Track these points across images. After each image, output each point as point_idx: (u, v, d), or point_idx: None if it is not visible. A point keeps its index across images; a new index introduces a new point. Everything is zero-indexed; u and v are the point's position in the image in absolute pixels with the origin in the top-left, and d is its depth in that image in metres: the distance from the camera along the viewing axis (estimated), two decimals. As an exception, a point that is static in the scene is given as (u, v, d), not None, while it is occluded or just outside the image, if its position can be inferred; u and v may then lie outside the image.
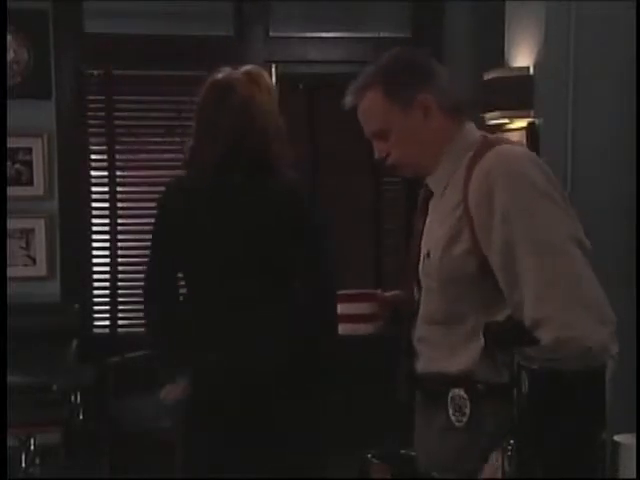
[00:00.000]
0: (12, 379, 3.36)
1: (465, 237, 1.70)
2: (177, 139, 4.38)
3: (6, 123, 3.74)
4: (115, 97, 4.28)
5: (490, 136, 1.86)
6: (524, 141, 3.16)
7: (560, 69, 3.01)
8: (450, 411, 1.75)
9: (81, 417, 3.68)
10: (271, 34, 4.26)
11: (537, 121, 3.13)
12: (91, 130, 4.30)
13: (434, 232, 1.80)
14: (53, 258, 4.12)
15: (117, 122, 4.31)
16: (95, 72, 4.24)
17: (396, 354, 1.80)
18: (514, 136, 3.27)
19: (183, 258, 2.46)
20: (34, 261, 4.09)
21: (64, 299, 4.15)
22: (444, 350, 1.77)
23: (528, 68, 3.14)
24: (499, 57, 3.43)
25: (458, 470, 1.68)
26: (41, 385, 3.57)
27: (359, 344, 2.43)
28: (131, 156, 4.37)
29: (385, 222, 4.51)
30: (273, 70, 4.29)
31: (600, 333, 1.59)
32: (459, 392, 1.73)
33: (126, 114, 4.34)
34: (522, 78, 3.13)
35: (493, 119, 3.29)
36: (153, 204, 4.27)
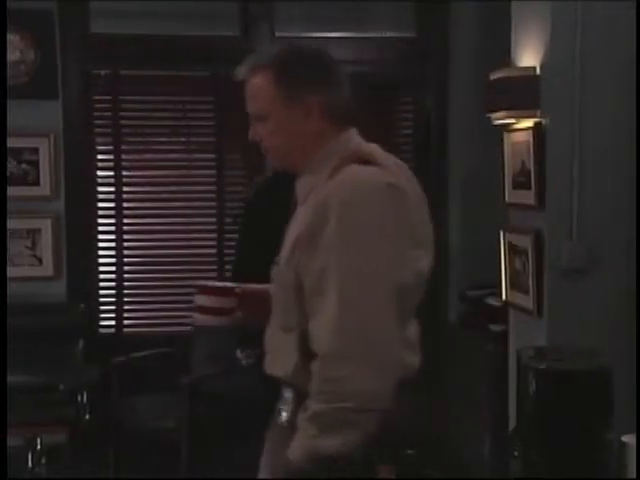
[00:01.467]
0: (18, 379, 3.37)
1: (298, 254, 1.70)
2: (182, 139, 4.40)
3: (6, 123, 3.74)
4: (121, 97, 4.29)
5: (361, 148, 1.79)
6: (531, 141, 3.15)
7: (567, 68, 3.00)
8: (279, 409, 1.80)
9: (87, 417, 3.68)
10: (276, 34, 4.25)
11: (544, 121, 3.11)
12: (97, 130, 4.31)
13: (288, 241, 1.80)
14: (59, 258, 4.12)
15: (123, 122, 4.32)
16: (101, 72, 4.25)
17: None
18: (520, 136, 3.26)
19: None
20: (40, 261, 4.10)
21: (70, 299, 4.15)
22: (279, 353, 1.79)
23: (534, 68, 3.11)
24: (505, 57, 3.41)
25: (288, 468, 1.67)
26: (47, 385, 3.57)
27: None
28: (137, 156, 4.37)
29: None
30: (279, 70, 4.29)
31: (370, 386, 1.58)
32: (287, 392, 1.78)
33: (132, 114, 4.35)
34: (528, 78, 3.11)
35: (499, 119, 3.27)
36: (159, 204, 4.34)
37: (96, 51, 4.18)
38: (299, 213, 1.81)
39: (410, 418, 1.81)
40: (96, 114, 4.30)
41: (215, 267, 4.40)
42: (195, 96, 4.39)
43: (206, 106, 4.40)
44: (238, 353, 3.38)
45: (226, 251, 4.39)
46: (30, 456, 3.40)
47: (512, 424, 3.36)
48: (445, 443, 3.83)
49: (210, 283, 2.14)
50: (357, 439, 1.59)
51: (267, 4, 4.24)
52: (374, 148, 1.80)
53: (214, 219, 4.41)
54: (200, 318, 2.04)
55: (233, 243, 4.39)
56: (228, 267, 4.38)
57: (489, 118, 3.36)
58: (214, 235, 4.42)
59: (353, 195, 1.63)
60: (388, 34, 4.27)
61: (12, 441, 3.19)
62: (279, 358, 1.78)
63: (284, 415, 1.79)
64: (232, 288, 2.04)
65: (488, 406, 3.70)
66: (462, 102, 4.28)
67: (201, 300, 2.04)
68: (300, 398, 1.70)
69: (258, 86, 1.79)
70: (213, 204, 4.40)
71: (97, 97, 4.29)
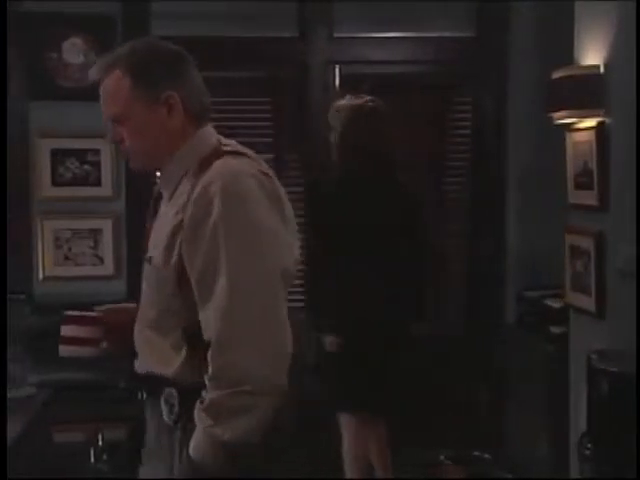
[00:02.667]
0: (79, 376, 3.43)
1: (176, 248, 1.70)
2: (240, 140, 4.42)
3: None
4: (180, 99, 4.32)
5: (225, 144, 1.82)
6: (594, 141, 3.11)
7: (631, 67, 2.94)
8: (164, 409, 1.78)
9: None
10: (335, 34, 4.25)
11: (607, 120, 3.06)
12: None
13: (158, 238, 1.79)
14: (120, 257, 4.18)
15: (182, 123, 4.35)
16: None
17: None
18: (583, 136, 3.21)
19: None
20: (102, 260, 4.16)
21: (130, 297, 4.19)
22: (155, 352, 1.79)
23: (598, 66, 3.07)
24: (567, 55, 3.37)
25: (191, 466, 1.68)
26: (108, 382, 3.62)
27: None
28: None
29: (448, 222, 4.47)
30: (336, 71, 4.29)
31: (264, 370, 1.61)
32: (171, 391, 1.76)
33: (190, 115, 4.38)
34: (592, 77, 3.06)
35: (561, 119, 3.24)
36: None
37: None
38: (167, 210, 1.80)
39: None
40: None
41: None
42: (252, 97, 4.41)
43: (263, 107, 4.42)
44: (324, 339, 3.44)
45: (283, 251, 4.40)
46: (92, 452, 3.44)
47: (573, 425, 3.32)
48: (504, 443, 3.80)
49: (74, 312, 2.03)
50: (255, 425, 1.61)
51: (325, 4, 4.24)
52: (235, 143, 1.85)
53: (271, 219, 4.42)
54: (64, 349, 1.99)
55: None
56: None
57: (549, 118, 3.32)
58: (271, 235, 4.42)
59: (233, 184, 1.67)
60: (447, 34, 4.24)
61: (74, 437, 3.26)
62: (160, 358, 1.77)
63: (169, 416, 1.77)
64: (97, 317, 2.00)
65: (547, 407, 3.66)
66: (521, 102, 4.23)
67: (65, 330, 1.98)
68: (186, 395, 1.72)
69: (115, 89, 1.78)
70: (270, 205, 4.41)
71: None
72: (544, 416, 3.67)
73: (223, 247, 1.64)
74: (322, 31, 4.25)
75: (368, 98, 3.47)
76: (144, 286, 1.83)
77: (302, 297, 4.36)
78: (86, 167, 4.13)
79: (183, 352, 1.73)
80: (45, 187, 4.13)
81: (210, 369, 1.63)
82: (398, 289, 3.36)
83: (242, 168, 1.73)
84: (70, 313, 2.01)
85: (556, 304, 3.76)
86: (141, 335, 1.84)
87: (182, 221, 1.70)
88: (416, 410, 3.41)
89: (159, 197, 1.89)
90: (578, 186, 3.30)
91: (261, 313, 1.63)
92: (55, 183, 4.08)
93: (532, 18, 4.19)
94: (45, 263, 4.15)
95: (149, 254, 1.80)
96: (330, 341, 3.38)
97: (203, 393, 1.65)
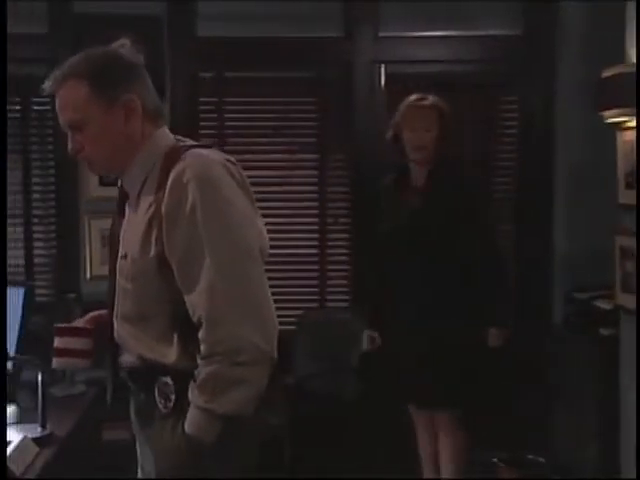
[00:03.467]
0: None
1: (154, 238, 1.75)
2: (285, 139, 4.44)
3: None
4: (225, 99, 4.35)
5: (184, 141, 1.90)
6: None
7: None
8: (158, 399, 1.82)
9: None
10: (380, 34, 4.24)
11: (659, 119, 3.01)
12: (202, 132, 4.37)
13: (131, 234, 1.83)
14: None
15: (227, 123, 4.38)
16: (207, 75, 4.32)
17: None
18: (633, 134, 3.16)
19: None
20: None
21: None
22: (144, 345, 1.83)
23: (649, 64, 3.02)
24: (616, 53, 3.32)
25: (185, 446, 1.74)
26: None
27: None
28: (239, 156, 4.40)
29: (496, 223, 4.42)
30: (382, 70, 4.28)
31: (256, 340, 1.69)
32: (165, 380, 1.81)
33: (235, 115, 4.41)
34: (643, 75, 3.01)
35: (611, 117, 3.19)
36: (260, 204, 4.32)
37: (202, 54, 4.25)
38: (137, 208, 1.84)
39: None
40: (201, 116, 4.38)
41: (316, 267, 4.42)
42: (297, 97, 4.42)
43: (309, 107, 4.42)
44: (365, 335, 3.54)
45: (328, 251, 4.41)
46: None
47: (624, 427, 3.28)
48: (553, 445, 3.76)
49: (66, 325, 2.05)
50: (250, 396, 1.70)
51: (370, 4, 4.23)
52: (191, 141, 1.93)
53: (316, 219, 4.43)
54: (59, 361, 2.01)
55: (333, 243, 4.42)
56: (329, 267, 4.40)
57: (599, 117, 3.27)
58: (315, 235, 4.43)
59: (206, 171, 1.76)
60: (494, 32, 4.20)
61: (123, 435, 3.29)
62: (150, 348, 1.82)
63: (166, 404, 1.81)
64: (89, 329, 2.02)
65: (596, 409, 3.61)
66: (569, 101, 4.18)
67: (58, 342, 2.00)
68: (182, 382, 1.77)
69: (73, 97, 1.81)
70: (315, 204, 4.42)
71: (203, 99, 4.36)
72: (593, 418, 3.63)
73: (203, 230, 1.72)
74: (367, 31, 4.24)
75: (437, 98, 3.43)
76: (121, 282, 1.87)
77: (346, 297, 4.38)
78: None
79: (175, 339, 1.79)
80: (92, 187, 4.19)
81: (203, 347, 1.71)
82: (470, 293, 3.33)
83: (212, 157, 1.81)
84: (61, 325, 2.03)
85: (606, 305, 3.70)
86: (123, 330, 1.89)
87: (155, 213, 1.76)
88: (475, 411, 3.40)
89: (124, 198, 1.93)
90: (628, 185, 3.25)
91: (247, 288, 1.72)
92: (102, 183, 4.12)
93: (581, 15, 4.13)
94: (92, 262, 4.20)
95: (124, 251, 1.85)
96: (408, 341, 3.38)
97: (195, 372, 1.73)
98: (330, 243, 4.42)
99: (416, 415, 3.54)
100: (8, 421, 2.48)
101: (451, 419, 3.40)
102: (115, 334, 1.92)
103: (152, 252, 1.77)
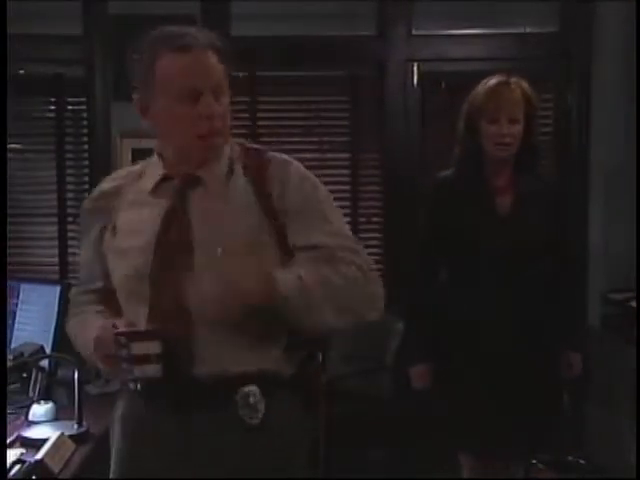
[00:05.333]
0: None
1: (266, 227, 1.81)
2: (316, 139, 4.43)
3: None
4: (258, 98, 4.35)
5: None
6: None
7: None
8: (242, 410, 1.73)
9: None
10: (413, 32, 4.22)
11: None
12: (234, 131, 4.36)
13: (228, 220, 1.78)
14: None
15: (260, 123, 4.38)
16: (239, 74, 4.33)
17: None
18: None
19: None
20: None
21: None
22: (233, 352, 1.73)
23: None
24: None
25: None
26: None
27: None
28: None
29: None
30: (415, 69, 4.26)
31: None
32: (250, 389, 1.73)
33: (268, 115, 4.41)
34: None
35: (649, 116, 3.15)
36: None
37: (235, 53, 4.25)
38: (225, 193, 1.83)
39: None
40: (234, 115, 4.37)
41: (349, 267, 4.40)
42: (330, 96, 4.41)
43: (341, 106, 4.41)
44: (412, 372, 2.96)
45: (360, 251, 4.39)
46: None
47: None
48: (588, 446, 3.72)
49: (134, 329, 1.73)
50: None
51: (404, 2, 4.21)
52: None
53: (348, 219, 4.42)
54: (143, 369, 1.70)
55: (367, 243, 4.40)
56: (361, 267, 4.37)
57: (635, 116, 3.23)
58: (348, 235, 4.42)
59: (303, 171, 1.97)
60: (529, 30, 4.16)
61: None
62: (240, 355, 1.73)
63: (254, 414, 1.73)
64: (156, 331, 1.72)
65: (634, 409, 3.57)
66: (605, 100, 4.13)
67: (136, 349, 1.69)
68: (272, 390, 1.73)
69: (213, 64, 1.84)
70: (347, 204, 4.41)
71: (236, 99, 4.35)
72: (629, 419, 3.59)
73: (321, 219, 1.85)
74: (401, 29, 4.22)
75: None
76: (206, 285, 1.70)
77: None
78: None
79: (282, 341, 1.76)
80: (126, 186, 4.20)
81: (355, 268, 1.82)
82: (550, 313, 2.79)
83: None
84: (130, 330, 1.73)
85: (642, 306, 3.67)
86: (212, 336, 1.73)
87: (268, 205, 1.80)
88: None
89: (191, 182, 1.85)
90: (637, 186, 3.20)
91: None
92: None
93: (617, 13, 4.08)
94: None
95: (209, 244, 1.73)
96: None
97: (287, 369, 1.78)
98: (363, 243, 4.40)
99: (471, 463, 2.84)
100: (45, 418, 2.50)
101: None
102: (184, 339, 1.74)
103: (265, 241, 1.78)
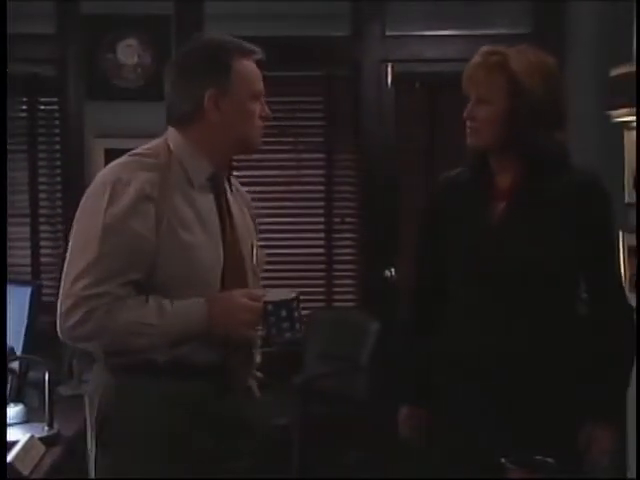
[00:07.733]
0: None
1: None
2: (291, 139, 4.43)
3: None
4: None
5: None
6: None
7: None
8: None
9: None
10: (387, 33, 4.23)
11: (667, 118, 3.00)
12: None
13: (244, 227, 2.09)
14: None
15: (234, 123, 4.37)
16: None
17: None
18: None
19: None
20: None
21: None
22: None
23: (658, 63, 3.01)
24: (625, 52, 3.31)
25: None
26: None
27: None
28: (246, 156, 4.39)
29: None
30: (390, 69, 4.27)
31: None
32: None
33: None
34: (652, 73, 3.00)
35: (619, 117, 3.18)
36: (267, 204, 4.36)
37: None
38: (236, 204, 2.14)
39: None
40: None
41: (323, 267, 4.41)
42: (305, 96, 4.41)
43: (316, 106, 4.42)
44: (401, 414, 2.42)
45: (334, 251, 4.40)
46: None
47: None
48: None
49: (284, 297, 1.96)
50: None
51: (379, 3, 4.22)
52: None
53: (322, 219, 4.43)
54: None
55: (341, 243, 4.41)
56: (335, 267, 4.39)
57: (607, 116, 3.26)
58: (322, 235, 4.43)
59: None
60: (502, 31, 4.18)
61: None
62: None
63: None
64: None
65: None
66: (577, 99, 4.14)
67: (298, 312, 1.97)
68: None
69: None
70: (321, 204, 4.42)
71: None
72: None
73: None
74: (375, 29, 4.23)
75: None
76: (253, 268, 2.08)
77: (353, 297, 4.38)
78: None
79: None
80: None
81: None
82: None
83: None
84: (283, 298, 1.94)
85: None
86: None
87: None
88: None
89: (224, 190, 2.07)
90: (636, 185, 3.24)
91: None
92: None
93: (589, 14, 4.11)
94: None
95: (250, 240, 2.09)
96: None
97: None
98: (336, 243, 4.41)
99: None
100: (15, 420, 2.48)
101: None
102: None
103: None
